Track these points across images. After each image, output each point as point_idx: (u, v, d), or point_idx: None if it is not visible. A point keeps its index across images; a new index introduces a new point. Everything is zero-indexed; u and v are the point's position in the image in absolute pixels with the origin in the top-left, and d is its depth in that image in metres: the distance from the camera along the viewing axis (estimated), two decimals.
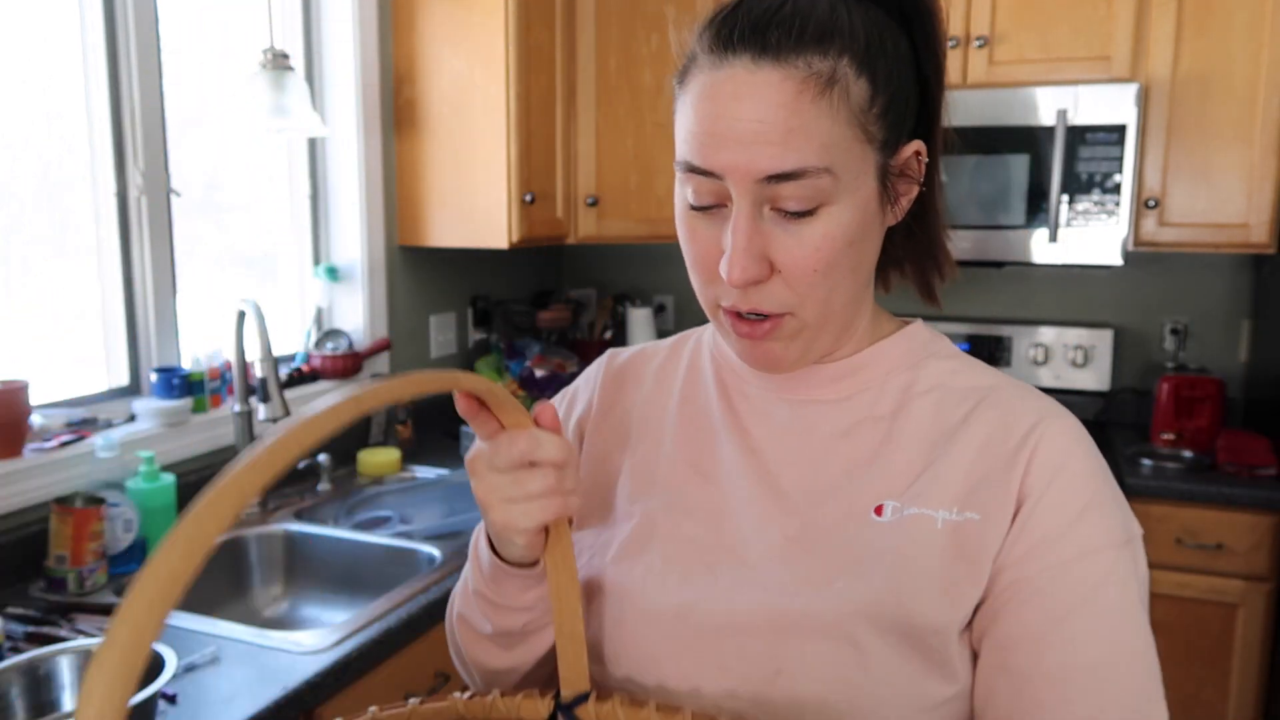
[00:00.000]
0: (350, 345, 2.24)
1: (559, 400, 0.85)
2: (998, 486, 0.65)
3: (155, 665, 1.08)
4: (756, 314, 0.65)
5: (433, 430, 2.45)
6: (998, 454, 0.66)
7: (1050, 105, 2.17)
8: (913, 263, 0.76)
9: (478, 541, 0.71)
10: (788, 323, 0.65)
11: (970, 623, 0.64)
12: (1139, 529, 0.65)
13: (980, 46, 2.27)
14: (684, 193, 0.66)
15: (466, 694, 0.64)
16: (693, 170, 0.63)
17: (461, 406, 0.61)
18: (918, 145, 0.67)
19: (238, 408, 1.83)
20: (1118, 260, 2.16)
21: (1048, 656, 0.61)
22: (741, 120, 0.61)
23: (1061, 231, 2.19)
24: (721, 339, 0.74)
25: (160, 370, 1.77)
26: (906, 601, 0.63)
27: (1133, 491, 2.04)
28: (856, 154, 0.63)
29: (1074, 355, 2.54)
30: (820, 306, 0.65)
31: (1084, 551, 0.62)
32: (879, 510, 0.66)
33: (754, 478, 0.71)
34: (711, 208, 0.65)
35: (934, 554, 0.64)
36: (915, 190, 0.68)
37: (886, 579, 0.63)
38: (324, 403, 0.43)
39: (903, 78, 0.65)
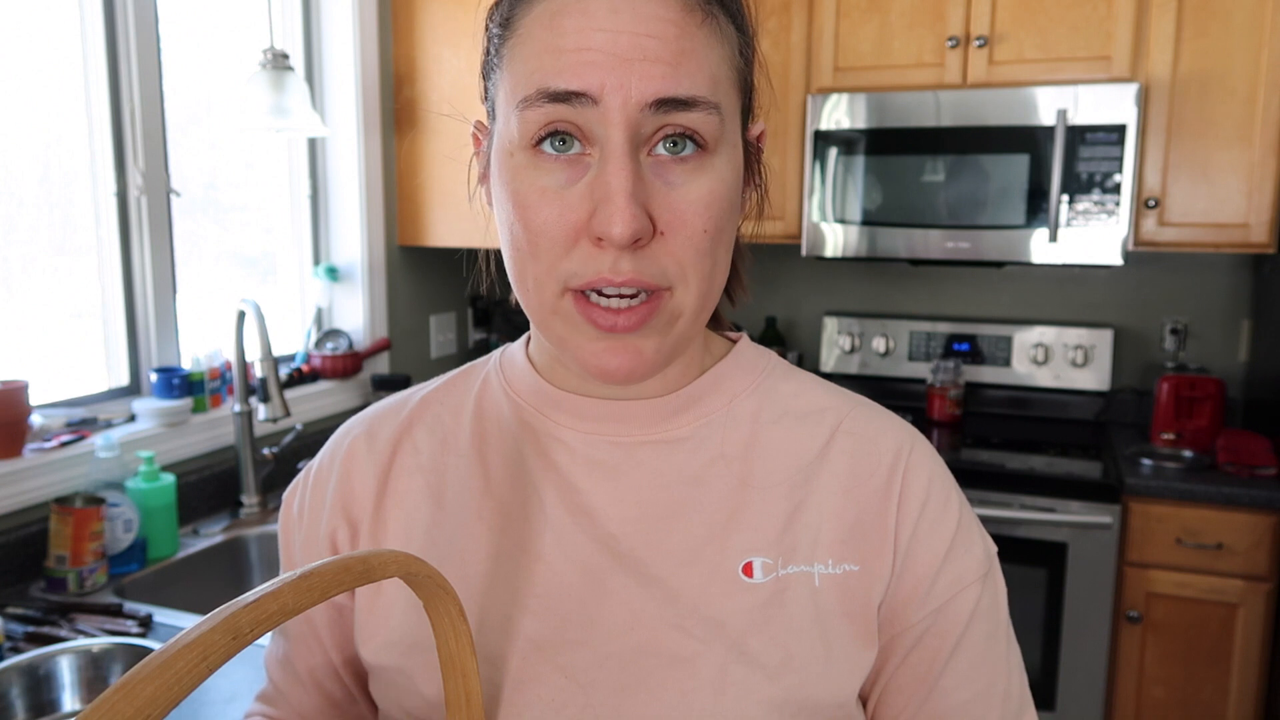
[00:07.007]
0: (350, 345, 2.24)
1: (296, 495, 0.71)
2: (872, 530, 0.58)
3: None
4: (629, 291, 0.51)
5: None
6: (866, 492, 0.59)
7: (1050, 105, 2.17)
8: None
9: None
10: (666, 304, 0.53)
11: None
12: (993, 545, 0.62)
13: (980, 46, 2.26)
14: (520, 133, 0.52)
15: None
16: (551, 98, 0.50)
17: None
18: (764, 126, 0.59)
19: (238, 408, 1.84)
20: (1118, 260, 2.16)
21: (929, 704, 0.60)
22: (624, 34, 0.49)
23: (1061, 231, 2.19)
24: (556, 343, 0.56)
25: (160, 370, 1.77)
26: (806, 684, 0.55)
27: (1133, 491, 2.04)
28: (733, 104, 0.54)
29: (1074, 355, 2.54)
30: (704, 284, 0.53)
31: (954, 591, 0.59)
32: (748, 569, 0.57)
33: (591, 546, 0.58)
34: (562, 154, 0.51)
35: (819, 619, 0.56)
36: (755, 182, 0.60)
37: (778, 661, 0.55)
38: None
39: (748, 54, 0.56)
